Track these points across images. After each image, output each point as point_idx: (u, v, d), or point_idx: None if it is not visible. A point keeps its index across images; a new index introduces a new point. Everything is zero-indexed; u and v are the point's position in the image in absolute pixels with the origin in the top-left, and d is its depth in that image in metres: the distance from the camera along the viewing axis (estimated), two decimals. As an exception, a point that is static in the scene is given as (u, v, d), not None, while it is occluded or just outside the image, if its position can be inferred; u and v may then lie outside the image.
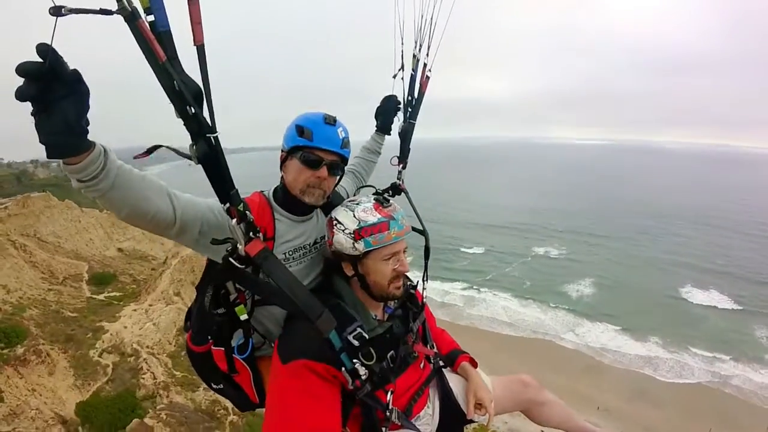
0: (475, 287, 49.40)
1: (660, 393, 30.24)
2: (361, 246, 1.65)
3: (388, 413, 1.67)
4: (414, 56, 2.32)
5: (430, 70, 2.38)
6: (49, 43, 0.85)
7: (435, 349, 2.13)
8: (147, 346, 21.93)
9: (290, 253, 1.80)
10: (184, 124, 1.14)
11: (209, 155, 1.21)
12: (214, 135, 1.20)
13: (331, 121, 1.74)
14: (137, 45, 1.01)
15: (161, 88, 1.07)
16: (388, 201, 1.77)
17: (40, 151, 0.97)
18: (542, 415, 2.33)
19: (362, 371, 1.57)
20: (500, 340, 36.85)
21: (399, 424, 1.72)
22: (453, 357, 2.18)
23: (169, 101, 1.09)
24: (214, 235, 1.46)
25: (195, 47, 1.11)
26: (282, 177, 1.82)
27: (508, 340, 37.25)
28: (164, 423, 14.71)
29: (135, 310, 25.09)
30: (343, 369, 1.56)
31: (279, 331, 1.80)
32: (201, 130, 1.17)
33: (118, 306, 26.08)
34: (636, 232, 74.65)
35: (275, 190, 1.86)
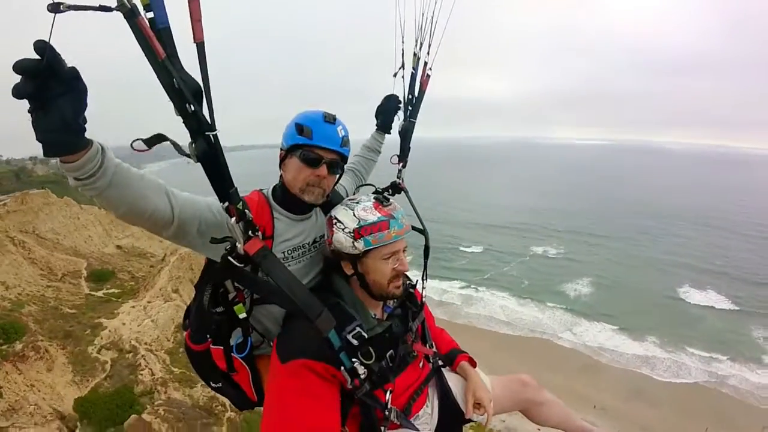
0: (473, 286, 49.50)
1: (657, 392, 30.35)
2: (360, 245, 1.65)
3: (387, 412, 1.66)
4: (415, 55, 2.31)
5: (430, 69, 2.38)
6: (47, 40, 0.84)
7: (434, 349, 2.12)
8: (145, 343, 21.95)
9: (289, 252, 1.79)
10: (184, 122, 1.13)
11: (208, 153, 1.20)
12: (214, 133, 1.19)
13: (330, 120, 1.73)
14: (137, 42, 1.00)
15: (161, 86, 1.06)
16: (388, 200, 1.77)
17: (38, 148, 0.96)
18: (541, 415, 2.34)
19: (361, 370, 1.57)
20: (498, 339, 36.93)
21: (398, 423, 1.72)
22: (452, 356, 2.18)
23: (169, 99, 1.08)
24: (212, 234, 1.45)
25: (195, 45, 1.10)
26: (281, 175, 1.81)
27: (506, 339, 37.33)
28: (162, 419, 14.72)
29: (133, 306, 25.09)
30: (342, 368, 1.56)
31: (278, 330, 1.79)
32: (200, 128, 1.16)
33: (117, 303, 26.08)
34: (635, 232, 74.80)
35: (274, 188, 1.85)
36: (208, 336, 1.76)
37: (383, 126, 2.56)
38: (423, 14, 2.18)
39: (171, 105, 1.10)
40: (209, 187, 1.33)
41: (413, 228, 1.96)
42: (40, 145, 0.95)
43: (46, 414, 16.23)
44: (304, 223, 1.87)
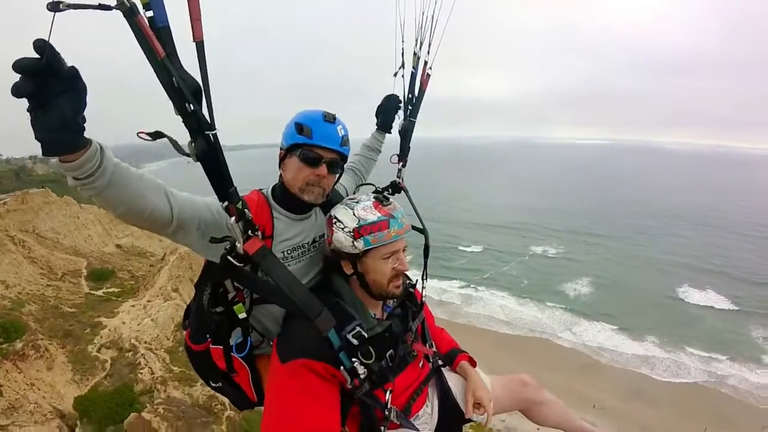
0: (472, 286, 49.52)
1: (656, 392, 30.39)
2: (360, 244, 1.64)
3: (386, 412, 1.66)
4: (415, 54, 2.31)
5: (430, 68, 2.37)
6: (47, 39, 0.84)
7: (434, 348, 2.12)
8: (145, 342, 21.97)
9: (289, 251, 1.79)
10: (183, 121, 1.13)
11: (208, 152, 1.20)
12: (213, 132, 1.19)
13: (330, 119, 1.73)
14: (136, 41, 1.00)
15: (160, 85, 1.06)
16: (388, 199, 1.76)
17: (38, 147, 0.96)
18: (541, 415, 2.34)
19: (361, 370, 1.56)
20: (497, 339, 36.96)
21: (398, 423, 1.72)
22: (452, 356, 2.18)
23: (168, 98, 1.08)
24: (211, 234, 1.45)
25: (194, 44, 1.10)
26: (281, 175, 1.81)
27: (506, 339, 37.36)
28: (162, 417, 14.71)
29: (133, 305, 25.11)
30: (341, 368, 1.55)
31: (278, 329, 1.79)
32: (200, 127, 1.16)
33: (117, 302, 26.10)
34: (634, 232, 74.83)
35: (274, 188, 1.85)
36: (207, 336, 1.76)
37: (383, 125, 2.56)
38: (423, 13, 2.18)
39: (170, 104, 1.09)
40: (209, 186, 1.33)
41: (413, 227, 1.95)
42: (39, 144, 0.95)
43: (46, 412, 16.25)
44: (303, 223, 1.86)
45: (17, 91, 0.87)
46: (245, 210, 1.38)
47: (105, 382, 18.99)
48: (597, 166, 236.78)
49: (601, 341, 37.43)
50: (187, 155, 1.18)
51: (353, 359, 1.56)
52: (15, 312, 21.70)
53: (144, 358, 20.56)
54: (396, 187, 2.39)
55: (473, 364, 2.15)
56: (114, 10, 0.92)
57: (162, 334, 23.15)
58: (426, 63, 2.35)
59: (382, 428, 1.66)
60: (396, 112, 2.47)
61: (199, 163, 1.22)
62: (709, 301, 45.66)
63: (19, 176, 77.51)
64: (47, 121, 0.92)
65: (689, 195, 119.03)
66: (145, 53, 1.01)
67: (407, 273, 1.84)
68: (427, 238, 2.23)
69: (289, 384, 1.53)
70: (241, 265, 1.41)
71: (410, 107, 2.41)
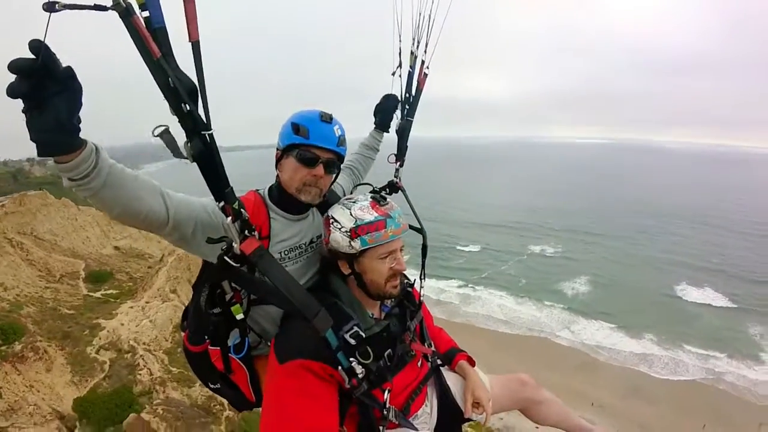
0: (470, 285, 49.41)
1: (654, 390, 30.42)
2: (357, 244, 1.64)
3: (385, 412, 1.66)
4: (412, 53, 2.31)
5: (428, 68, 2.38)
6: (42, 39, 0.84)
7: (432, 348, 2.12)
8: (143, 343, 21.92)
9: (286, 252, 1.79)
10: (179, 121, 1.13)
11: (204, 153, 1.19)
12: (209, 132, 1.18)
13: (327, 119, 1.73)
14: (132, 41, 1.00)
15: (156, 85, 1.06)
16: (385, 199, 1.76)
17: (34, 149, 0.96)
18: (540, 414, 2.35)
19: (359, 370, 1.56)
20: (496, 338, 36.93)
21: (396, 422, 1.71)
22: (450, 355, 2.18)
23: (164, 98, 1.08)
24: (208, 235, 1.44)
25: (190, 44, 1.10)
26: (278, 175, 1.81)
27: (504, 338, 37.33)
28: (161, 418, 14.69)
29: (131, 307, 25.04)
30: (339, 368, 1.55)
31: (275, 330, 1.79)
32: (196, 127, 1.15)
33: (115, 303, 26.00)
34: (633, 230, 74.82)
35: (270, 188, 1.85)
36: (206, 337, 1.76)
37: (382, 124, 2.55)
38: (420, 13, 2.18)
39: (166, 104, 1.09)
40: (207, 188, 1.33)
41: (411, 227, 1.96)
42: (35, 144, 0.95)
43: (45, 414, 16.22)
44: (300, 223, 1.86)
45: (13, 92, 0.87)
46: (242, 210, 1.38)
47: (104, 384, 18.94)
48: (596, 166, 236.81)
49: (599, 339, 37.43)
50: (183, 157, 1.18)
51: (351, 359, 1.56)
52: (13, 314, 21.60)
53: (143, 359, 20.51)
54: (393, 187, 2.38)
55: (472, 363, 2.15)
56: (110, 11, 0.92)
57: (160, 335, 23.11)
58: (423, 62, 2.35)
59: (381, 428, 1.66)
60: (394, 111, 2.47)
61: (195, 164, 1.22)
62: (707, 298, 45.66)
63: (17, 178, 77.17)
64: (43, 122, 0.92)
65: (688, 194, 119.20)
66: (141, 54, 1.01)
67: (405, 272, 1.84)
68: (425, 238, 2.22)
69: (287, 384, 1.53)
70: (238, 265, 1.41)
71: (407, 107, 2.41)
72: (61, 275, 29.21)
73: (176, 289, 27.54)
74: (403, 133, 2.43)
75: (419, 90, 2.40)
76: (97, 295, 27.86)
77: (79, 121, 0.98)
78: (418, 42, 2.28)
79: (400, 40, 2.24)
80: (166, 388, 19.04)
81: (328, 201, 1.88)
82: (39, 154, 0.97)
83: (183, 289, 27.46)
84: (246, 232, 1.41)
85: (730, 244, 66.88)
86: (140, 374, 19.59)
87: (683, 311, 43.02)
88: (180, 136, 1.16)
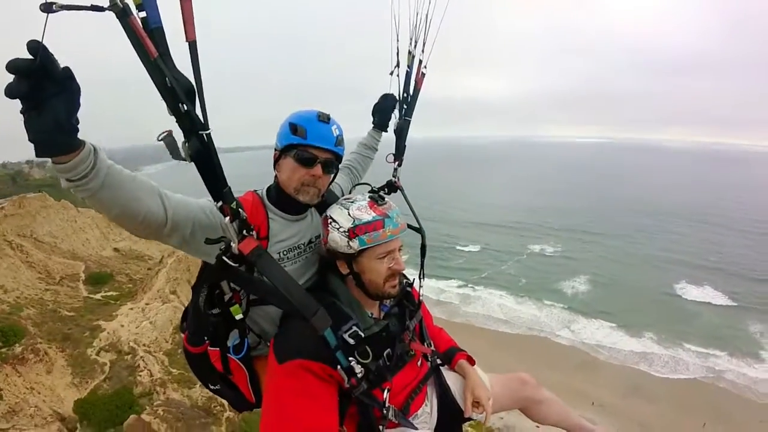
0: (470, 285, 49.40)
1: (655, 388, 30.41)
2: (355, 244, 1.64)
3: (384, 411, 1.65)
4: (410, 53, 2.31)
5: (425, 67, 2.38)
6: (40, 40, 0.84)
7: (432, 347, 2.11)
8: (144, 344, 21.92)
9: (285, 252, 1.79)
10: (177, 121, 1.13)
11: (202, 152, 1.20)
12: (207, 132, 1.18)
13: (324, 119, 1.73)
14: (129, 42, 1.00)
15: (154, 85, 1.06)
16: (383, 199, 1.76)
17: (32, 149, 0.96)
18: (540, 413, 2.34)
19: (358, 369, 1.56)
20: (496, 338, 36.92)
21: (396, 422, 1.71)
22: (450, 355, 2.18)
23: (162, 98, 1.08)
24: (206, 236, 1.44)
25: (187, 44, 1.10)
26: (276, 176, 1.81)
27: (504, 338, 37.31)
28: (161, 419, 14.71)
29: (131, 308, 25.04)
30: (338, 367, 1.55)
31: (275, 330, 1.79)
32: (193, 127, 1.15)
33: (115, 305, 26.01)
34: (632, 229, 74.82)
35: (269, 189, 1.84)
36: (205, 338, 1.76)
37: (380, 124, 2.55)
38: (417, 13, 2.18)
39: (164, 104, 1.09)
40: (205, 188, 1.33)
41: (409, 226, 1.95)
42: (33, 145, 0.95)
43: (46, 416, 16.23)
44: (299, 224, 1.86)
45: (11, 92, 0.87)
46: (239, 210, 1.38)
47: (104, 385, 18.95)
48: (595, 165, 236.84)
49: (599, 338, 37.42)
50: (182, 159, 1.18)
51: (350, 358, 1.56)
52: (14, 316, 21.60)
53: (143, 360, 20.53)
54: (392, 187, 2.38)
55: (472, 362, 2.15)
56: (107, 12, 0.92)
57: (161, 336, 23.11)
58: (421, 62, 2.36)
59: (381, 427, 1.66)
60: (393, 110, 2.47)
61: (193, 165, 1.22)
62: (706, 297, 45.67)
63: (16, 181, 77.07)
64: (41, 122, 0.92)
65: (687, 192, 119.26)
66: (138, 54, 1.01)
67: (404, 272, 1.84)
68: (423, 237, 2.22)
69: (286, 384, 1.53)
70: (236, 265, 1.40)
71: (405, 106, 2.41)
72: (61, 277, 29.22)
73: (176, 290, 27.55)
74: (401, 132, 2.43)
75: (417, 90, 2.41)
76: (97, 296, 27.89)
77: (78, 122, 0.98)
78: (416, 42, 2.29)
79: (397, 40, 2.24)
80: (166, 390, 19.05)
81: (326, 201, 1.88)
82: (37, 155, 0.97)
83: (183, 290, 27.46)
84: (244, 231, 1.41)
85: (729, 242, 66.91)
86: (141, 375, 19.61)
87: (683, 310, 43.03)
88: (178, 135, 1.16)
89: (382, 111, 2.50)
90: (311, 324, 1.42)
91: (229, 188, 1.35)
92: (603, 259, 58.97)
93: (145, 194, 1.28)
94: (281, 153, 1.75)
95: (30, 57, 0.84)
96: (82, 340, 21.34)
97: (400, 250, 1.75)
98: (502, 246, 65.25)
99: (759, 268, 53.64)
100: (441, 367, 2.12)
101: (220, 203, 1.35)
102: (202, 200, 1.52)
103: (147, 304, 25.49)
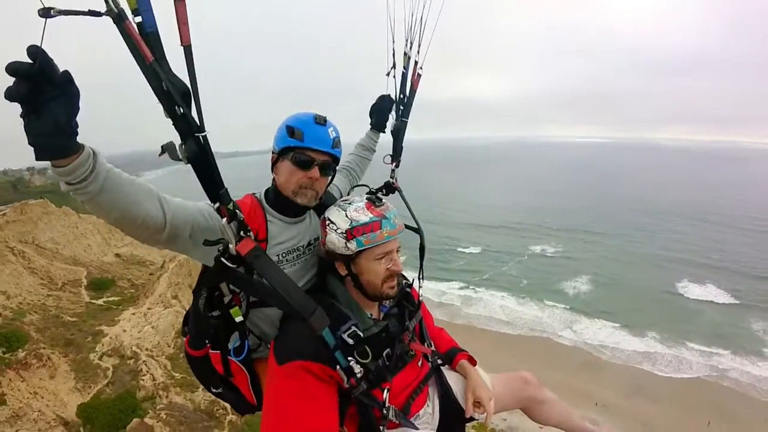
0: (472, 287, 49.39)
1: (658, 388, 30.33)
2: (353, 245, 1.64)
3: (384, 411, 1.65)
4: (405, 54, 2.32)
5: (421, 68, 2.38)
6: (39, 44, 0.85)
7: (432, 347, 2.11)
8: (146, 349, 21.98)
9: (283, 254, 1.79)
10: (173, 124, 1.14)
11: (198, 155, 1.21)
12: (203, 134, 1.20)
13: (321, 121, 1.73)
14: (126, 46, 1.02)
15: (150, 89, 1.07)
16: (381, 200, 1.76)
17: (32, 154, 0.97)
18: (542, 414, 2.34)
19: (357, 369, 1.56)
20: (498, 339, 36.87)
21: (397, 422, 1.71)
22: (451, 355, 2.16)
23: (158, 101, 1.09)
24: (205, 238, 1.44)
25: (182, 48, 1.11)
26: (274, 179, 1.81)
27: (506, 338, 37.27)
28: (164, 423, 14.74)
29: (134, 313, 25.10)
30: (338, 367, 1.55)
31: (275, 332, 1.79)
32: (190, 130, 1.17)
33: (117, 310, 26.09)
34: (633, 229, 74.71)
35: (267, 191, 1.85)
36: (206, 341, 1.76)
37: (377, 125, 2.55)
38: (412, 14, 2.19)
39: (161, 107, 1.11)
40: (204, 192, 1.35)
41: (407, 227, 1.95)
42: (32, 149, 0.95)
43: (49, 420, 16.27)
44: (297, 226, 1.86)
45: (10, 95, 0.87)
46: (237, 211, 1.39)
47: (107, 390, 19.02)
48: (595, 165, 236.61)
49: (601, 338, 37.35)
50: (179, 160, 1.19)
51: (349, 358, 1.56)
52: (16, 322, 21.71)
53: (145, 364, 20.58)
54: (390, 188, 2.38)
55: (473, 362, 2.14)
56: (104, 16, 0.94)
57: (163, 341, 23.15)
58: (416, 63, 2.36)
59: (381, 427, 1.65)
60: (389, 112, 2.47)
61: (191, 167, 1.23)
62: (708, 295, 45.60)
63: (17, 188, 77.32)
64: (40, 126, 0.93)
65: (687, 191, 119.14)
66: (134, 58, 1.03)
67: (403, 273, 1.84)
68: (422, 238, 2.21)
69: (286, 386, 1.53)
70: (235, 266, 1.41)
71: (402, 107, 2.42)
72: (63, 283, 29.29)
73: (178, 294, 27.60)
74: (398, 134, 2.43)
75: (413, 91, 2.41)
76: (100, 302, 27.97)
77: (77, 125, 0.99)
78: (411, 43, 2.30)
79: (393, 42, 2.25)
80: (169, 393, 19.07)
81: (325, 203, 1.88)
82: (37, 158, 0.98)
83: (184, 294, 27.50)
84: (242, 233, 1.42)
85: (730, 240, 66.83)
86: (143, 380, 19.66)
87: (685, 308, 42.96)
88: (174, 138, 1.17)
89: (379, 112, 2.49)
90: (309, 323, 1.43)
91: (226, 190, 1.35)
92: (604, 259, 58.91)
93: (144, 198, 1.28)
94: (279, 156, 1.75)
95: (29, 61, 0.85)
96: (84, 345, 21.39)
97: (398, 251, 1.75)
98: (502, 247, 65.21)
99: (760, 265, 53.55)
100: (442, 368, 2.11)
101: (217, 204, 1.36)
102: (201, 203, 1.52)
103: (149, 308, 25.54)
